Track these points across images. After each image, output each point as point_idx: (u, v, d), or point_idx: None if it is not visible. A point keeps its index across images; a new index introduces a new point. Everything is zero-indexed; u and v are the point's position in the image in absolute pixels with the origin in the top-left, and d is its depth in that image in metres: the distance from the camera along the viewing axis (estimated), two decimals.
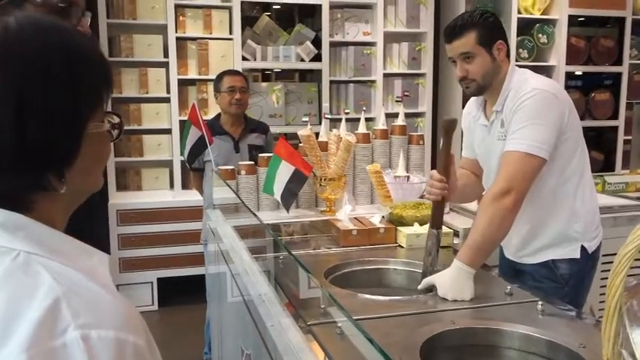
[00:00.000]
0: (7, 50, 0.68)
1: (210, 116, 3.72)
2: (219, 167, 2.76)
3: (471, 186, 2.16)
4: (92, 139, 0.73)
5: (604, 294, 0.69)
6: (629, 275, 0.61)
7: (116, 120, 0.79)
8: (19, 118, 0.66)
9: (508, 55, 1.97)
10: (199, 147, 2.97)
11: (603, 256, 2.04)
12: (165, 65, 4.27)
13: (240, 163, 2.79)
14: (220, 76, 3.30)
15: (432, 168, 5.05)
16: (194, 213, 3.88)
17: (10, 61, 0.67)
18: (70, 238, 0.73)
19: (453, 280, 1.67)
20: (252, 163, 2.78)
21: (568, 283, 1.98)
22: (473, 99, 2.13)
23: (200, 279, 3.39)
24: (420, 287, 1.74)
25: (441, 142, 1.81)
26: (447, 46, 1.96)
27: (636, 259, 0.64)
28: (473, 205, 2.70)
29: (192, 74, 4.35)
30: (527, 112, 1.82)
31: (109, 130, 0.78)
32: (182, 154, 3.22)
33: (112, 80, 0.79)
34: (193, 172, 3.38)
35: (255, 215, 2.12)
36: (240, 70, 4.31)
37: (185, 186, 4.28)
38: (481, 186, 2.19)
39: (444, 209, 1.84)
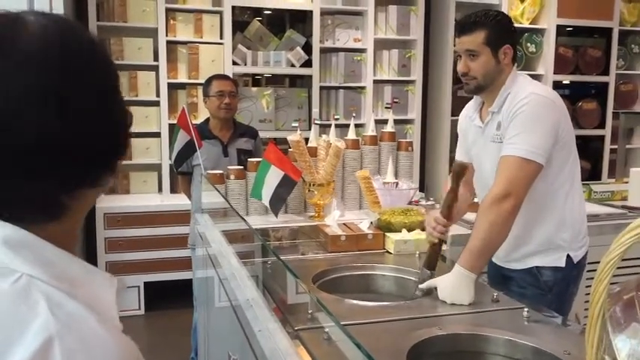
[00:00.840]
0: (53, 48, 0.66)
1: (199, 120, 3.71)
2: (208, 171, 2.75)
3: (462, 205, 2.16)
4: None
5: (589, 301, 0.70)
6: (611, 283, 0.62)
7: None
8: (63, 110, 0.65)
9: (514, 60, 1.99)
10: (187, 151, 2.96)
11: (589, 264, 2.06)
12: (155, 69, 4.26)
13: (230, 167, 2.79)
14: (209, 81, 3.30)
15: (421, 175, 5.08)
16: (182, 217, 3.86)
17: (67, 57, 0.66)
18: (77, 259, 0.69)
19: (453, 284, 1.68)
20: (242, 167, 2.78)
21: (552, 290, 1.99)
22: (472, 102, 2.14)
23: (187, 283, 3.37)
24: (421, 286, 1.75)
25: (449, 183, 1.83)
26: (456, 39, 1.99)
27: (619, 267, 0.65)
28: None
29: (182, 78, 4.35)
30: (525, 117, 1.84)
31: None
32: (171, 158, 3.19)
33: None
34: (181, 175, 3.37)
35: (244, 220, 2.12)
36: (231, 75, 4.31)
37: (173, 190, 4.26)
38: (470, 198, 2.20)
39: (440, 251, 1.85)
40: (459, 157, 2.22)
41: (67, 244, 0.68)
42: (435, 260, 1.81)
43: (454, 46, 2.01)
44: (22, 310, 0.60)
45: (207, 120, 3.36)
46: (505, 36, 1.95)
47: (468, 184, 2.18)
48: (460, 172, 1.81)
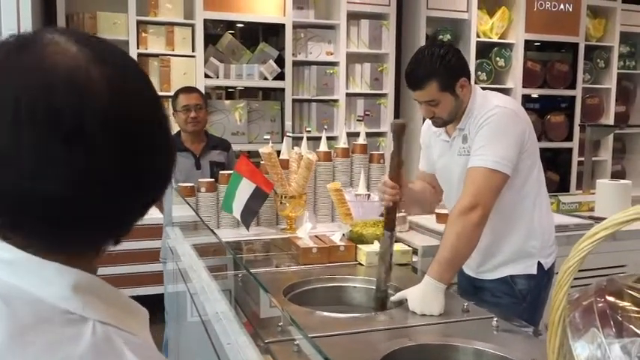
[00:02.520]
0: (127, 78, 0.62)
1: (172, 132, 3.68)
2: (179, 184, 2.73)
3: (428, 193, 2.20)
4: None
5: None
6: (578, 285, 0.63)
7: None
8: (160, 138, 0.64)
9: (470, 81, 2.00)
10: None
11: (556, 273, 2.09)
12: None
13: (201, 180, 2.77)
14: (176, 94, 3.28)
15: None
16: (156, 231, 3.81)
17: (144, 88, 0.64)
18: (123, 294, 0.66)
19: (423, 295, 1.69)
20: (213, 180, 2.76)
21: (526, 298, 2.02)
22: None
23: (159, 298, 3.32)
24: (392, 299, 1.76)
25: (392, 145, 1.84)
26: (410, 91, 1.96)
27: (583, 277, 0.66)
28: (431, 223, 2.73)
29: None
30: (490, 129, 1.87)
31: None
32: None
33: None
34: None
35: (214, 233, 2.10)
36: (203, 88, 4.29)
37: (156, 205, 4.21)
38: (437, 197, 2.23)
39: (396, 212, 1.87)
40: (422, 167, 2.25)
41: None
42: (392, 221, 1.83)
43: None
44: None
45: (179, 133, 3.34)
46: (457, 73, 1.92)
47: (435, 187, 2.21)
48: (399, 132, 1.79)
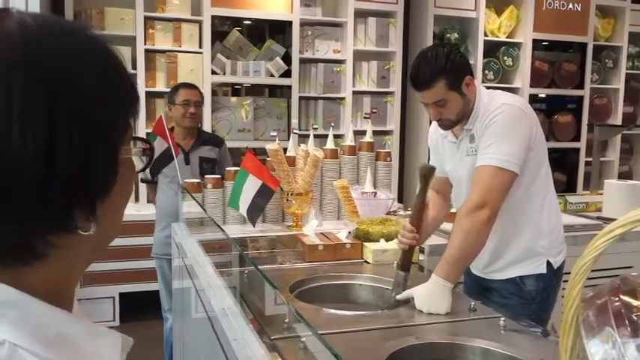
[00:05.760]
0: (31, 52, 0.52)
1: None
2: (185, 180, 2.73)
3: (439, 216, 2.16)
4: (123, 167, 0.58)
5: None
6: (585, 286, 0.63)
7: (145, 145, 0.65)
8: (48, 137, 0.51)
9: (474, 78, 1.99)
10: (165, 159, 2.93)
11: (564, 274, 2.08)
12: (133, 77, 4.20)
13: (207, 176, 2.77)
14: (176, 88, 3.27)
15: (399, 185, 5.09)
16: (146, 227, 3.81)
17: (36, 65, 0.52)
18: (75, 319, 0.58)
19: (430, 294, 1.69)
20: (219, 176, 2.76)
21: (535, 299, 2.00)
22: None
23: (152, 295, 3.38)
24: (399, 297, 1.75)
25: (417, 187, 1.83)
26: (417, 92, 1.94)
27: (590, 277, 0.65)
28: None
29: (161, 87, 4.31)
30: (498, 127, 1.86)
31: (140, 156, 0.64)
32: None
33: (139, 102, 0.65)
34: (147, 184, 3.46)
35: (222, 229, 2.10)
36: (210, 84, 4.30)
37: (150, 199, 4.21)
38: (447, 208, 2.21)
39: (412, 254, 1.86)
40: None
41: (58, 299, 0.57)
42: (408, 262, 1.82)
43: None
44: None
45: (172, 129, 3.31)
46: (463, 71, 1.91)
47: (445, 196, 2.19)
48: (427, 175, 1.79)
